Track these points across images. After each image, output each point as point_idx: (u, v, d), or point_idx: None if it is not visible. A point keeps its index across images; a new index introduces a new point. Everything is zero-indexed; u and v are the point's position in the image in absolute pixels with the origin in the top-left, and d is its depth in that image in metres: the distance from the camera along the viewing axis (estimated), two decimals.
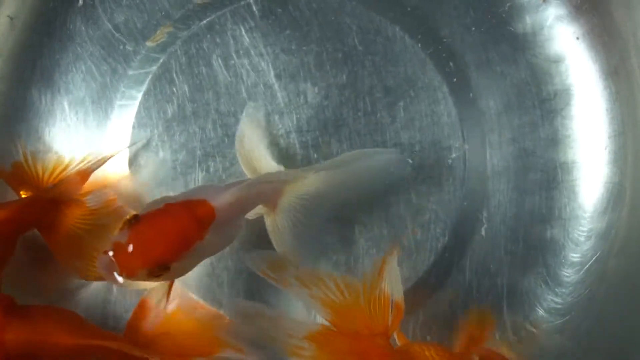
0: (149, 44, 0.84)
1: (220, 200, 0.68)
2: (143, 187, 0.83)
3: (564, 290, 0.82)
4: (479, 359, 0.70)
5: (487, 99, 0.84)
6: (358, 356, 0.66)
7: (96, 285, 0.82)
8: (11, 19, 0.83)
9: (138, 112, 0.84)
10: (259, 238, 0.76)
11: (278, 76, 0.84)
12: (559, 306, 0.82)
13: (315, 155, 0.83)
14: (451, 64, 0.84)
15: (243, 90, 0.84)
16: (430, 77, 0.83)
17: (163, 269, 0.64)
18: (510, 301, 0.82)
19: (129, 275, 0.63)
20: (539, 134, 0.83)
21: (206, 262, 0.78)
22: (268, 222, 0.75)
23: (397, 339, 0.73)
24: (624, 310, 0.79)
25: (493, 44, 0.84)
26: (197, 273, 0.80)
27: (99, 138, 0.84)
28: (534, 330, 0.82)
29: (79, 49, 0.85)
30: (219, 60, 0.84)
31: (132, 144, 0.83)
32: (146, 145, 0.84)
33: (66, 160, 0.80)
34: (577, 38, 0.83)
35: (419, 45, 0.84)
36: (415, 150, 0.83)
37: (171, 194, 0.73)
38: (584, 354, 0.80)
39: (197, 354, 0.75)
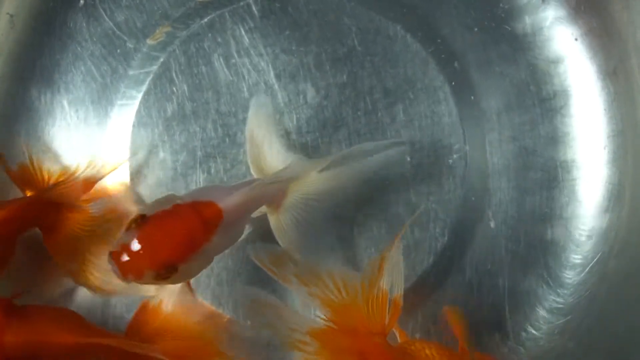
0: (149, 42, 0.85)
1: (227, 202, 0.67)
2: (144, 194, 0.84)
3: (565, 290, 0.82)
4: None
5: (488, 99, 0.84)
6: (356, 354, 0.66)
7: None
8: (11, 16, 0.83)
9: (138, 112, 0.84)
10: (269, 233, 0.76)
11: (278, 76, 0.84)
12: (560, 306, 0.82)
13: (316, 156, 0.83)
14: (452, 63, 0.84)
15: (245, 89, 0.84)
16: (431, 77, 0.84)
17: (171, 271, 0.64)
18: (511, 301, 0.82)
19: (136, 277, 0.62)
20: (538, 132, 0.83)
21: None
22: (272, 221, 0.75)
23: (398, 337, 0.73)
24: (624, 311, 0.79)
25: (493, 44, 0.84)
26: None
27: (99, 138, 0.84)
28: (535, 330, 0.82)
29: (79, 48, 0.85)
30: (220, 60, 0.84)
31: (133, 155, 0.83)
32: (148, 153, 0.84)
33: (72, 168, 0.81)
34: (576, 39, 0.83)
35: (420, 45, 0.84)
36: (415, 150, 0.83)
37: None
38: (585, 354, 0.79)
39: (198, 353, 0.75)
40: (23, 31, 0.84)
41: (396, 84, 0.84)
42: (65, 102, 0.85)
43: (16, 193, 0.79)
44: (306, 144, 0.83)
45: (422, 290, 0.82)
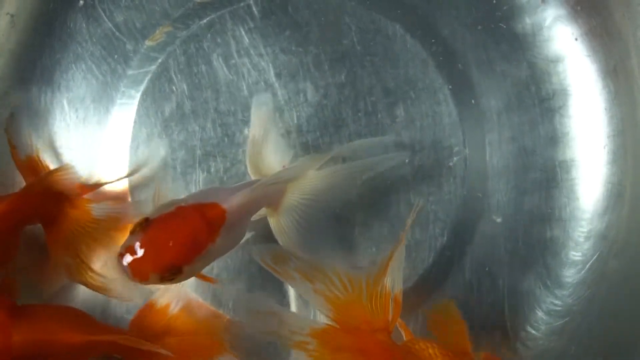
0: (148, 43, 0.85)
1: (230, 203, 0.67)
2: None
3: (564, 291, 0.82)
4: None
5: (488, 99, 0.84)
6: (359, 352, 0.66)
7: None
8: (12, 16, 0.83)
9: (138, 111, 0.84)
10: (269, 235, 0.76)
11: (278, 75, 0.84)
12: (559, 307, 0.82)
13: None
14: (452, 63, 0.84)
15: (244, 88, 0.84)
16: (431, 77, 0.84)
17: (175, 273, 0.64)
18: (510, 301, 0.82)
19: (141, 279, 0.63)
20: (538, 132, 0.83)
21: None
22: (272, 222, 0.75)
23: (403, 335, 0.73)
24: (624, 311, 0.79)
25: (493, 44, 0.84)
26: None
27: (99, 137, 0.85)
28: (534, 330, 0.82)
29: (79, 48, 0.85)
30: (219, 59, 0.84)
31: (133, 171, 0.83)
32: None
33: (72, 165, 0.81)
34: (576, 39, 0.83)
35: (420, 45, 0.84)
36: (415, 150, 0.83)
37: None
38: (585, 354, 0.79)
39: (198, 353, 0.75)
40: (23, 31, 0.85)
41: (396, 84, 0.84)
42: (65, 102, 0.85)
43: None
44: (307, 144, 0.83)
45: (422, 290, 0.82)
